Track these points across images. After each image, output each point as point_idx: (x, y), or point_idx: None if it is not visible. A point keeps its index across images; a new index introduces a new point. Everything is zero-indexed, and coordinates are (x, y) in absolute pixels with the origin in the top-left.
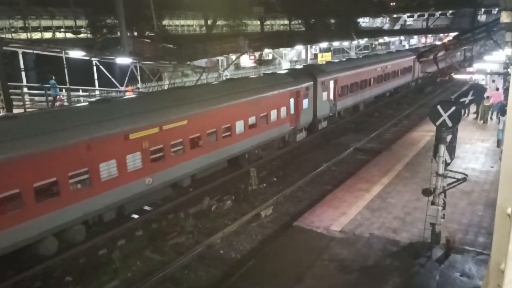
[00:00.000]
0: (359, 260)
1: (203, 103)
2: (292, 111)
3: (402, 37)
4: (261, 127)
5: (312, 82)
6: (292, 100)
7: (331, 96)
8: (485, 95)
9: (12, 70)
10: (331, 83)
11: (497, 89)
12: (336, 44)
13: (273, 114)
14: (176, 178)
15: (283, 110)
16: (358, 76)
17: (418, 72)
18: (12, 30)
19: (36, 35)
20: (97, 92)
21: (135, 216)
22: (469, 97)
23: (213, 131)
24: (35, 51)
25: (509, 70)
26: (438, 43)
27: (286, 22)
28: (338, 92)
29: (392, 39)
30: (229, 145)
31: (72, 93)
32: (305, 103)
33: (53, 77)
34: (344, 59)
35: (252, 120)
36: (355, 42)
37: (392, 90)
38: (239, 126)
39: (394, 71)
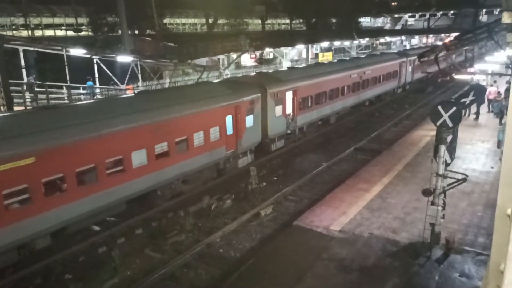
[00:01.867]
0: (358, 260)
1: (68, 130)
2: (229, 131)
3: (403, 37)
4: (178, 155)
5: (259, 94)
6: (229, 118)
7: (289, 110)
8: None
9: (13, 67)
10: (289, 94)
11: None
12: (337, 43)
13: (198, 137)
14: (22, 240)
15: (215, 131)
16: (326, 85)
17: (406, 77)
18: (13, 27)
19: (37, 33)
20: (97, 90)
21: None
22: (470, 98)
23: (89, 168)
24: (36, 49)
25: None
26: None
27: (287, 21)
28: (299, 104)
29: (393, 39)
30: (121, 184)
31: (73, 91)
32: (249, 120)
33: (91, 78)
34: (307, 65)
35: (161, 147)
36: (356, 42)
37: (372, 98)
38: (139, 157)
39: (375, 77)
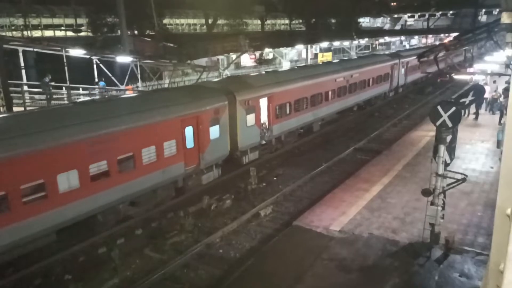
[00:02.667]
0: (358, 260)
1: None
2: (190, 145)
3: (402, 37)
4: (122, 175)
5: (226, 102)
6: (189, 130)
7: (264, 119)
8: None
9: (13, 67)
10: (263, 101)
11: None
12: (336, 44)
13: (148, 153)
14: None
15: (170, 145)
16: (307, 90)
17: (398, 80)
18: (13, 28)
19: (37, 33)
20: (97, 91)
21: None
22: (469, 98)
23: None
24: (35, 49)
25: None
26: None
27: (287, 21)
28: (275, 112)
29: (393, 39)
30: (43, 213)
31: (72, 92)
32: (215, 131)
33: (103, 79)
34: (286, 69)
35: (98, 167)
36: (355, 42)
37: (361, 103)
38: (67, 179)
39: (363, 81)
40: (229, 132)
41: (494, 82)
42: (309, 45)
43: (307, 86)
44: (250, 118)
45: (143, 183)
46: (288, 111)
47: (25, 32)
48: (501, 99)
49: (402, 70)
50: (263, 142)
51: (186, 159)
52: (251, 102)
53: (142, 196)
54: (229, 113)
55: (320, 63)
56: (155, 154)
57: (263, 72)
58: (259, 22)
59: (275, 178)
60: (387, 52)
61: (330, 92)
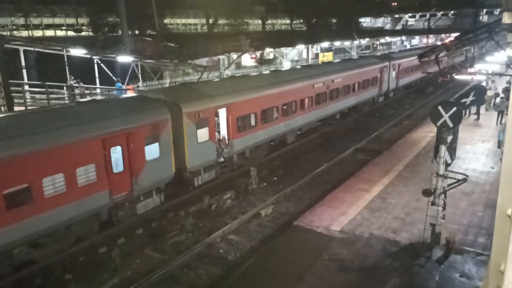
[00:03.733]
0: (358, 260)
1: None
2: (118, 168)
3: (403, 37)
4: (12, 213)
5: (168, 116)
6: (117, 150)
7: (223, 133)
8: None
9: (14, 67)
10: (220, 113)
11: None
12: (337, 44)
13: (52, 183)
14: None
15: (86, 170)
16: (278, 98)
17: (389, 84)
18: (14, 27)
19: (38, 33)
20: (98, 90)
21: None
22: (470, 98)
23: None
24: (36, 49)
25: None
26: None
27: (288, 21)
28: (236, 125)
29: (394, 39)
30: None
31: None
32: (153, 150)
33: (119, 79)
34: (255, 74)
35: None
36: (356, 42)
37: (345, 110)
38: None
39: (347, 86)
40: (173, 151)
41: (493, 82)
42: (310, 45)
43: (277, 94)
44: (202, 133)
45: (46, 221)
46: (253, 123)
47: (26, 32)
48: (498, 99)
49: (393, 73)
50: (221, 159)
51: (112, 186)
52: (203, 114)
53: (50, 235)
54: (173, 128)
55: (299, 67)
56: (63, 183)
57: (232, 75)
58: (260, 22)
59: (275, 178)
60: (377, 54)
61: (306, 100)
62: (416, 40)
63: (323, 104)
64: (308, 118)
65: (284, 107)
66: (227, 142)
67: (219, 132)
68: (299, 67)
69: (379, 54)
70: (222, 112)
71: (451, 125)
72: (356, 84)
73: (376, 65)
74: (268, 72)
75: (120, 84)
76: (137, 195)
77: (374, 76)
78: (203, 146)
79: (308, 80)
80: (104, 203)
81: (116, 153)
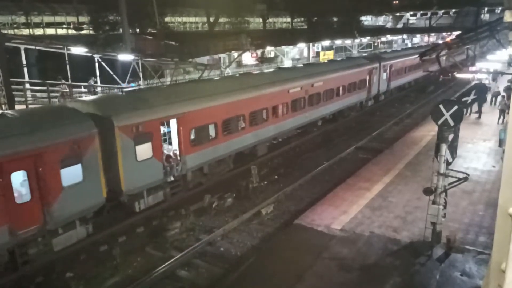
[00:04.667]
0: (359, 258)
1: None
2: (23, 198)
3: (404, 36)
4: None
5: (95, 131)
6: (20, 176)
7: (174, 149)
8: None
9: (15, 66)
10: (172, 123)
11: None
12: (338, 42)
13: None
14: None
15: None
16: (244, 105)
17: (379, 87)
18: (15, 26)
19: (39, 31)
20: (99, 89)
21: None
22: (472, 97)
23: None
24: (37, 47)
25: None
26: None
27: (289, 20)
28: (189, 138)
29: (395, 37)
30: None
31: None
32: (73, 173)
33: (133, 80)
34: (214, 79)
35: None
36: (357, 41)
37: (329, 116)
38: None
39: (330, 90)
40: (103, 172)
41: (493, 80)
42: (310, 44)
43: (244, 101)
44: (143, 150)
45: None
46: (213, 135)
47: (27, 30)
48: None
49: (384, 75)
50: (171, 178)
51: (14, 219)
52: (144, 127)
53: None
54: (103, 146)
55: (273, 70)
56: None
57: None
58: (260, 20)
59: (276, 177)
60: (365, 54)
61: (280, 107)
62: (417, 39)
63: (301, 111)
64: (282, 127)
65: (253, 115)
66: (178, 158)
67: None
68: (273, 70)
69: (367, 54)
70: (173, 124)
71: (452, 123)
72: (341, 88)
73: (364, 66)
74: (237, 75)
75: (134, 84)
76: (53, 228)
77: (362, 78)
78: (145, 164)
79: (282, 85)
80: (4, 242)
81: (20, 179)
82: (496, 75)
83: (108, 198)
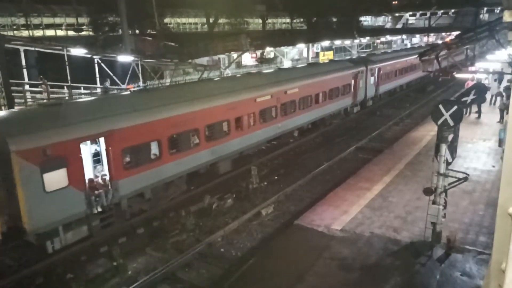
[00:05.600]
0: (360, 259)
1: None
2: None
3: (404, 36)
4: None
5: None
6: None
7: (103, 174)
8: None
9: (14, 67)
10: (103, 142)
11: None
12: (338, 42)
13: None
14: None
15: None
16: (197, 119)
17: (366, 92)
18: (14, 27)
19: (38, 33)
20: (98, 90)
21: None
22: (471, 97)
23: None
24: (36, 49)
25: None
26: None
27: (288, 20)
28: (122, 159)
29: (394, 38)
30: None
31: (74, 91)
32: None
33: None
34: (158, 88)
35: None
36: (357, 41)
37: (307, 125)
38: None
39: (306, 97)
40: None
41: (495, 80)
42: (310, 44)
43: (197, 113)
44: (55, 178)
45: None
46: (156, 154)
47: (26, 32)
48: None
49: (372, 79)
50: (98, 209)
51: None
52: (56, 150)
53: None
54: None
55: (239, 76)
56: None
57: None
58: (260, 21)
59: (276, 177)
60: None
61: (245, 118)
62: (416, 39)
63: (271, 122)
64: (248, 141)
65: (210, 129)
66: (108, 184)
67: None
68: (240, 75)
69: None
70: (101, 143)
71: (452, 123)
72: (321, 94)
73: (349, 70)
74: (194, 83)
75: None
76: None
77: (346, 83)
78: (58, 195)
79: (248, 93)
80: None
81: None
82: (501, 76)
83: (6, 238)
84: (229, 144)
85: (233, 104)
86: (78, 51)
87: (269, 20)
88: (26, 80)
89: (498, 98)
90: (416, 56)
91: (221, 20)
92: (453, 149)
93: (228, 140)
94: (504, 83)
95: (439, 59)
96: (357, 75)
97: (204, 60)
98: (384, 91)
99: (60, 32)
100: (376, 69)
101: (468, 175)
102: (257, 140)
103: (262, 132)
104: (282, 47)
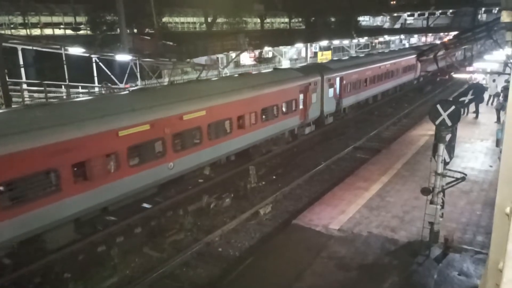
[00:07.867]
0: (357, 258)
1: None
2: None
3: (402, 36)
4: None
5: None
6: None
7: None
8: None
9: (12, 66)
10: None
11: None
12: (336, 42)
13: None
14: None
15: None
16: (85, 148)
17: (323, 107)
18: (12, 26)
19: (36, 32)
20: (96, 89)
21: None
22: (469, 97)
23: None
24: (34, 48)
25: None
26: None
27: (286, 20)
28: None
29: (392, 37)
30: None
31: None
32: None
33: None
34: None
35: None
36: (355, 41)
37: (221, 160)
38: None
39: (222, 122)
40: None
41: (494, 81)
42: (308, 44)
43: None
44: None
45: None
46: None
47: (24, 31)
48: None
49: (330, 91)
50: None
51: None
52: None
53: None
54: None
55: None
56: None
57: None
58: (258, 20)
59: (274, 177)
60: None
61: (98, 162)
62: (415, 39)
63: (154, 162)
64: (110, 193)
65: (148, 152)
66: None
67: None
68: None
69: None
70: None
71: (449, 123)
72: (247, 116)
73: (295, 82)
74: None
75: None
76: None
77: (290, 98)
78: None
79: (104, 124)
80: None
81: None
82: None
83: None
84: (72, 202)
85: (72, 141)
86: (76, 50)
87: (268, 20)
88: (24, 79)
89: (496, 98)
90: (396, 60)
91: (219, 20)
92: (450, 149)
93: (63, 198)
94: (501, 83)
95: (437, 59)
96: (307, 88)
97: (202, 60)
98: (349, 104)
99: (58, 31)
100: (337, 78)
101: (465, 175)
102: (125, 191)
103: (134, 179)
104: (281, 47)
